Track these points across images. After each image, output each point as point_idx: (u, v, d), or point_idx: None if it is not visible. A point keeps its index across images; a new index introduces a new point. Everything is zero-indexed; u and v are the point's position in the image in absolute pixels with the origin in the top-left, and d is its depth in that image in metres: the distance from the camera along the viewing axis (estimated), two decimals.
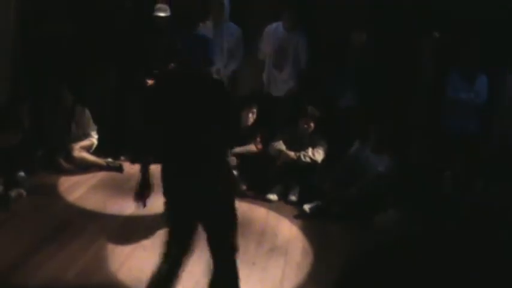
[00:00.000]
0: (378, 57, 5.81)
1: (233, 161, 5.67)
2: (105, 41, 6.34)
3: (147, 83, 6.20)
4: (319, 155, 5.74)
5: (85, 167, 6.00)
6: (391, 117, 5.73)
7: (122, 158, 6.35)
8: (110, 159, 6.20)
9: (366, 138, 5.58)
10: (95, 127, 6.28)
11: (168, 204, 3.19)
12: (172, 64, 6.17)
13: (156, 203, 5.08)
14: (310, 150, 5.75)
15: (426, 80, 5.82)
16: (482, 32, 5.60)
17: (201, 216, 3.15)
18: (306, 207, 5.35)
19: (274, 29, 6.12)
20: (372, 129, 5.56)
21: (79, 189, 5.51)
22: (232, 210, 3.16)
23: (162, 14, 6.15)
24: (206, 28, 6.08)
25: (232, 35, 6.14)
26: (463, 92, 5.68)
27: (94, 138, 6.24)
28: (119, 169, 6.08)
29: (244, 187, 5.73)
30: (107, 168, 6.07)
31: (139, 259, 4.22)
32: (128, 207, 5.17)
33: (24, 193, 5.14)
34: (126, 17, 6.48)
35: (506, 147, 5.49)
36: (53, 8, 6.38)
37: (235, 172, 5.47)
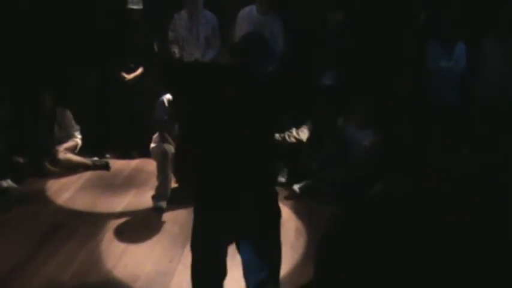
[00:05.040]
0: (356, 36, 5.80)
1: None
2: (85, 40, 6.28)
3: (124, 77, 6.17)
4: (303, 134, 5.74)
5: (71, 169, 5.96)
6: (373, 93, 5.75)
7: (108, 155, 6.34)
8: (95, 158, 6.17)
9: (349, 114, 5.60)
10: (78, 127, 6.23)
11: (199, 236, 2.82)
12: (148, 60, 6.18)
13: (146, 198, 5.14)
14: (294, 130, 5.76)
15: (410, 54, 5.83)
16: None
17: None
18: (296, 187, 5.37)
19: (248, 12, 6.05)
20: (354, 105, 5.57)
21: (68, 191, 5.48)
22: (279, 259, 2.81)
23: (135, 7, 6.08)
24: (181, 18, 6.04)
25: (208, 23, 6.09)
26: (443, 61, 5.73)
27: (78, 139, 6.19)
28: (106, 167, 6.05)
29: None
30: (94, 167, 6.04)
31: (134, 255, 4.24)
32: (118, 203, 5.17)
33: (13, 201, 5.11)
34: (105, 15, 6.41)
35: (488, 115, 5.53)
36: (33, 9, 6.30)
37: None
